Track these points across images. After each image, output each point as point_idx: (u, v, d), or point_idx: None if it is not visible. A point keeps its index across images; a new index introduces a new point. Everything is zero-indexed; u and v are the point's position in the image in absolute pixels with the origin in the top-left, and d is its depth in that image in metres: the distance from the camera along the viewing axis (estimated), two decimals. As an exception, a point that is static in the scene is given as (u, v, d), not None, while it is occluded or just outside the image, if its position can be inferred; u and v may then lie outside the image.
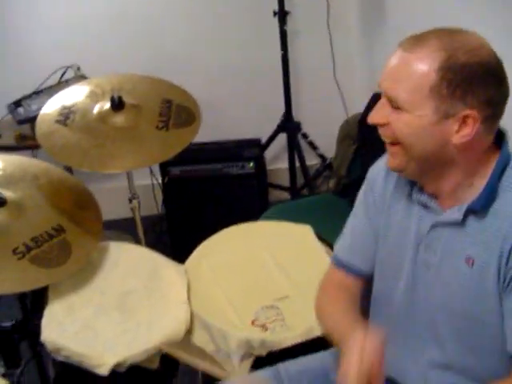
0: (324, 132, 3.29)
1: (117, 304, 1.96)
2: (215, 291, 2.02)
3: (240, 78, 3.44)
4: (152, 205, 3.44)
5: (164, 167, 3.14)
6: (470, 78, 1.26)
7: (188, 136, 2.16)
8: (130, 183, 2.35)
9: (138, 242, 2.47)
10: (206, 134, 3.29)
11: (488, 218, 1.36)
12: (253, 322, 1.92)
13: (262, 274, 2.08)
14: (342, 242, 1.67)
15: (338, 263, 1.66)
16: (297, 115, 3.37)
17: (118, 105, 2.18)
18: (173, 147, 2.14)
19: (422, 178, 1.42)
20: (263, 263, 2.12)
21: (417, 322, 1.50)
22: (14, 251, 1.85)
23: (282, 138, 3.38)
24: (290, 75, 3.25)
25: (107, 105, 2.21)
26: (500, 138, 1.39)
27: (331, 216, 2.59)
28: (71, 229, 1.97)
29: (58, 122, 2.16)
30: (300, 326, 1.84)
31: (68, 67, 3.06)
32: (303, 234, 2.23)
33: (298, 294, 1.99)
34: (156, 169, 3.24)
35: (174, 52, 3.35)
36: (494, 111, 1.31)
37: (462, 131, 1.30)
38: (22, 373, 1.99)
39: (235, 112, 3.48)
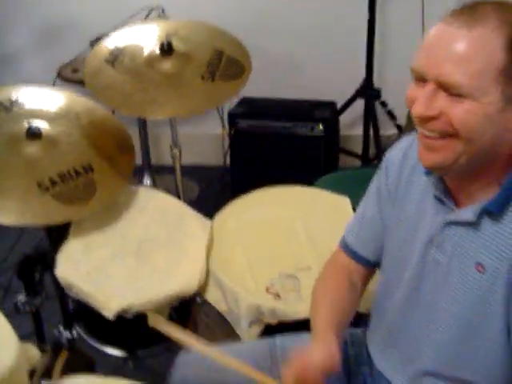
0: (405, 102, 3.13)
1: (134, 250, 1.96)
2: (237, 251, 1.99)
3: (323, 38, 3.33)
4: (221, 155, 3.43)
5: (232, 119, 3.10)
6: None
7: (232, 90, 2.11)
8: (172, 130, 2.32)
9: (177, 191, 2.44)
10: (281, 90, 3.25)
11: (505, 222, 1.22)
12: (267, 289, 1.87)
13: (289, 241, 2.03)
14: (352, 226, 1.58)
15: (344, 246, 1.58)
16: (377, 82, 3.23)
17: (166, 50, 2.14)
18: (214, 99, 2.11)
19: (460, 176, 1.26)
20: (292, 230, 2.06)
21: (414, 322, 1.40)
22: (39, 185, 1.87)
23: (360, 103, 3.26)
24: (375, 40, 3.11)
25: (157, 49, 2.18)
26: None
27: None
28: (100, 169, 1.96)
29: (107, 61, 2.15)
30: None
31: (153, 9, 3.06)
32: (340, 205, 2.14)
33: (320, 266, 1.90)
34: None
35: (259, 7, 3.28)
36: None
37: None
38: (41, 303, 2.02)
39: (315, 72, 3.38)
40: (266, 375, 1.42)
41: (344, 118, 3.33)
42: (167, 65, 2.16)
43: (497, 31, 1.12)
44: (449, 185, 1.30)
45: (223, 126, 3.25)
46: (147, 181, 3.16)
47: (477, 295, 1.26)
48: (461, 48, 1.13)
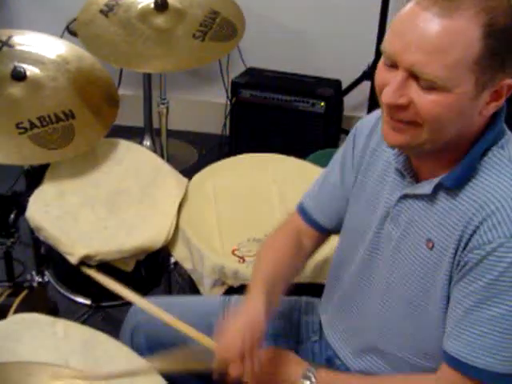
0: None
1: (107, 200, 1.96)
2: (209, 212, 1.98)
3: (336, 15, 3.27)
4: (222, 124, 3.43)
5: (235, 88, 3.09)
6: (509, 42, 1.09)
7: (221, 52, 2.10)
8: (161, 88, 2.32)
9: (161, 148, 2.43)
10: (288, 64, 3.23)
11: (459, 199, 1.19)
12: (233, 251, 1.87)
13: (263, 207, 2.01)
14: (311, 190, 1.56)
15: (299, 208, 1.56)
16: (386, 65, 3.18)
17: (161, 5, 2.13)
18: (201, 59, 2.09)
19: (425, 156, 1.23)
20: (268, 197, 2.05)
21: (364, 296, 1.39)
22: (18, 125, 1.89)
23: (367, 85, 3.22)
24: (388, 21, 3.07)
25: (152, 4, 2.18)
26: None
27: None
28: (82, 117, 1.98)
29: (101, 11, 2.15)
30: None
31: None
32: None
33: (290, 235, 1.90)
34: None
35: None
36: None
37: (495, 102, 1.13)
38: (12, 244, 2.04)
39: (323, 49, 3.34)
40: (203, 333, 1.42)
41: (349, 99, 3.29)
42: (160, 20, 2.16)
43: (474, 20, 1.06)
44: (411, 159, 1.27)
45: (227, 96, 3.23)
46: (147, 142, 3.16)
47: (423, 273, 1.24)
48: (437, 38, 1.06)
